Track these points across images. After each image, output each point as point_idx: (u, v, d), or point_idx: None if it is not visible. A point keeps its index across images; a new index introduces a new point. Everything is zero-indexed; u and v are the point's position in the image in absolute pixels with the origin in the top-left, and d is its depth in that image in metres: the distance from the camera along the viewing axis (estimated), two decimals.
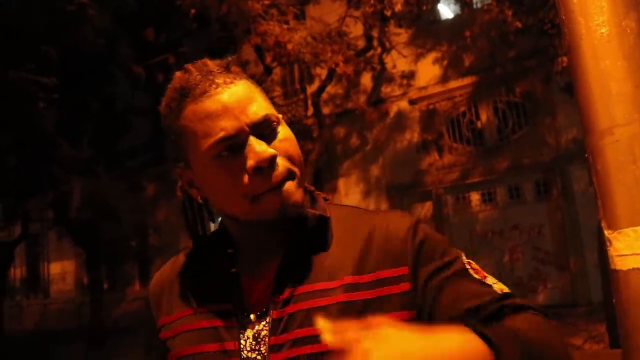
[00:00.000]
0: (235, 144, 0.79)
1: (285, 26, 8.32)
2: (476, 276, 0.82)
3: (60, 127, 10.44)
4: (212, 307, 0.86)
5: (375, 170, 11.62)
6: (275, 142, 0.81)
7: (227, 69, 0.83)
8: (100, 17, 9.20)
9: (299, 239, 0.85)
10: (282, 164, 0.80)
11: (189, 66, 0.84)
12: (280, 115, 0.85)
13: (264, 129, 0.80)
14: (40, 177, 10.46)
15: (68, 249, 14.95)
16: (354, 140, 11.91)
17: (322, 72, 9.67)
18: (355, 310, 0.78)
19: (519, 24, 7.31)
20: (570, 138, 9.51)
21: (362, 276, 0.81)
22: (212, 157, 0.79)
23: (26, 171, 10.24)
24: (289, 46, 8.13)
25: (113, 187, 11.11)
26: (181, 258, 0.98)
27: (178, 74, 0.85)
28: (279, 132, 0.82)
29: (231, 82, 0.81)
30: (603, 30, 1.21)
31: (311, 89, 11.19)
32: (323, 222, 0.87)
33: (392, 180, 11.36)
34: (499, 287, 0.82)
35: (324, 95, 10.72)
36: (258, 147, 0.78)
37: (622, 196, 1.18)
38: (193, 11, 8.33)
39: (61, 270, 16.88)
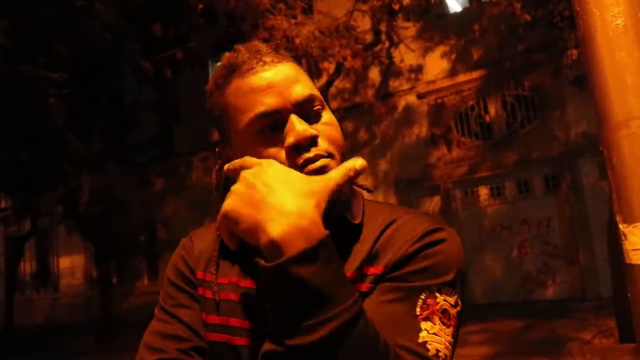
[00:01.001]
0: (276, 121, 0.78)
1: (293, 20, 8.31)
2: (419, 314, 0.71)
3: (70, 122, 10.50)
4: (241, 281, 0.85)
5: (383, 165, 11.60)
6: (318, 125, 0.80)
7: (276, 50, 0.83)
8: (108, 12, 9.22)
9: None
10: (322, 145, 0.78)
11: (239, 46, 0.84)
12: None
13: (308, 110, 0.79)
14: (50, 173, 10.53)
15: (77, 244, 15.06)
16: (362, 135, 11.89)
17: (330, 66, 9.65)
18: None
19: (528, 17, 7.25)
20: (580, 132, 9.45)
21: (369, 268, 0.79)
22: (253, 133, 0.79)
23: (36, 166, 10.30)
24: (297, 40, 8.12)
25: (122, 182, 11.15)
26: (214, 228, 0.93)
27: (227, 54, 0.85)
28: (323, 115, 0.81)
29: (279, 62, 0.80)
30: (618, 22, 1.20)
31: (319, 83, 11.15)
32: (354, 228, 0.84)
33: (400, 174, 11.34)
34: (433, 346, 0.69)
35: (332, 90, 10.71)
36: (299, 125, 0.76)
37: (638, 189, 1.17)
38: (200, 6, 8.33)
39: (70, 265, 16.99)
